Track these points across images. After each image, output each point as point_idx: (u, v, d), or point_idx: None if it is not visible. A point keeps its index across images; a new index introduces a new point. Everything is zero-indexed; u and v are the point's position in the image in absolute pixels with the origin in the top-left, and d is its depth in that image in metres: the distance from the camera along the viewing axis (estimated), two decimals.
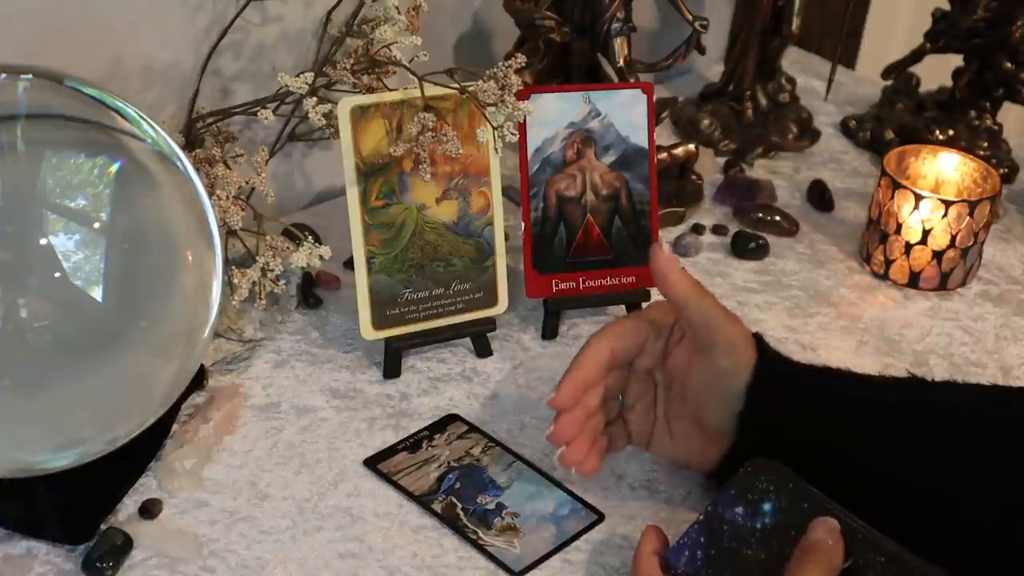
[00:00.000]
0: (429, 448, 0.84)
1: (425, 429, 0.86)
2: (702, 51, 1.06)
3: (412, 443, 0.84)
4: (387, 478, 0.81)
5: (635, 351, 0.80)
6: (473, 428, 0.86)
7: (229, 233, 0.87)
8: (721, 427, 0.77)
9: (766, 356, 0.76)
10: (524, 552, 0.76)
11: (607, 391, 0.80)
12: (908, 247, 1.03)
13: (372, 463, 0.82)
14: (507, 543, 0.77)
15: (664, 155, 1.09)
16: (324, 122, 0.86)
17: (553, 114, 0.92)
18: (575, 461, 0.78)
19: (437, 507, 0.79)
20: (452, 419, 0.87)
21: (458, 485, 0.81)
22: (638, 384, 0.81)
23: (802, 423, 0.74)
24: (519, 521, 0.78)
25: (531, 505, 0.80)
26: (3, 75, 0.71)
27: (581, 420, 0.78)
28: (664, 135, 1.24)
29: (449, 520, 0.78)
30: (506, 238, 0.93)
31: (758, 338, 0.77)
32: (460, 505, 0.79)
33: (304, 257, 0.86)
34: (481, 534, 0.77)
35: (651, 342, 0.80)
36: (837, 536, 0.66)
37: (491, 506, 0.79)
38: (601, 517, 0.79)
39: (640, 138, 0.94)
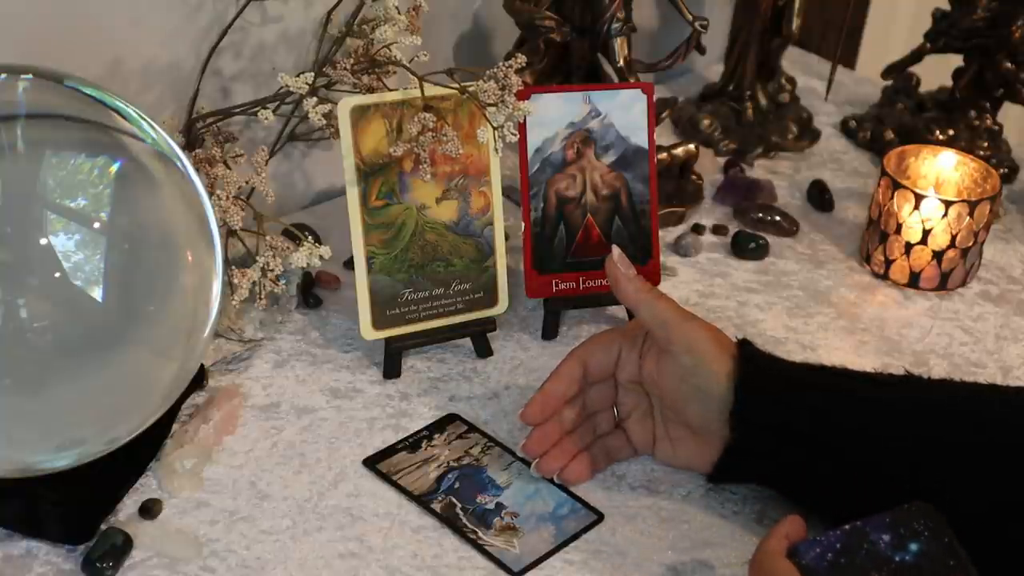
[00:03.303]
0: (428, 448, 0.84)
1: (425, 429, 0.86)
2: (702, 51, 1.06)
3: (412, 443, 0.84)
4: (387, 478, 0.81)
5: (609, 364, 0.81)
6: (473, 428, 0.86)
7: (229, 233, 0.88)
8: (706, 426, 0.77)
9: (748, 355, 0.76)
10: (524, 552, 0.76)
11: (587, 405, 0.82)
12: (908, 247, 1.03)
13: (372, 463, 0.82)
14: (507, 543, 0.77)
15: (664, 155, 1.09)
16: (324, 122, 0.86)
17: (553, 114, 0.92)
18: (549, 471, 0.80)
19: (436, 507, 0.79)
20: (452, 419, 0.87)
21: (457, 485, 0.81)
22: (629, 395, 0.82)
23: (801, 420, 0.74)
24: (519, 521, 0.78)
25: (531, 505, 0.80)
26: (3, 75, 0.71)
27: (553, 433, 0.80)
28: (664, 135, 1.24)
29: (449, 520, 0.78)
30: (506, 238, 0.93)
31: (743, 341, 0.78)
32: (460, 505, 0.79)
33: (304, 257, 0.86)
34: (481, 534, 0.77)
35: (626, 352, 0.81)
36: None
37: (491, 506, 0.79)
38: (601, 517, 0.79)
39: (640, 138, 0.94)
